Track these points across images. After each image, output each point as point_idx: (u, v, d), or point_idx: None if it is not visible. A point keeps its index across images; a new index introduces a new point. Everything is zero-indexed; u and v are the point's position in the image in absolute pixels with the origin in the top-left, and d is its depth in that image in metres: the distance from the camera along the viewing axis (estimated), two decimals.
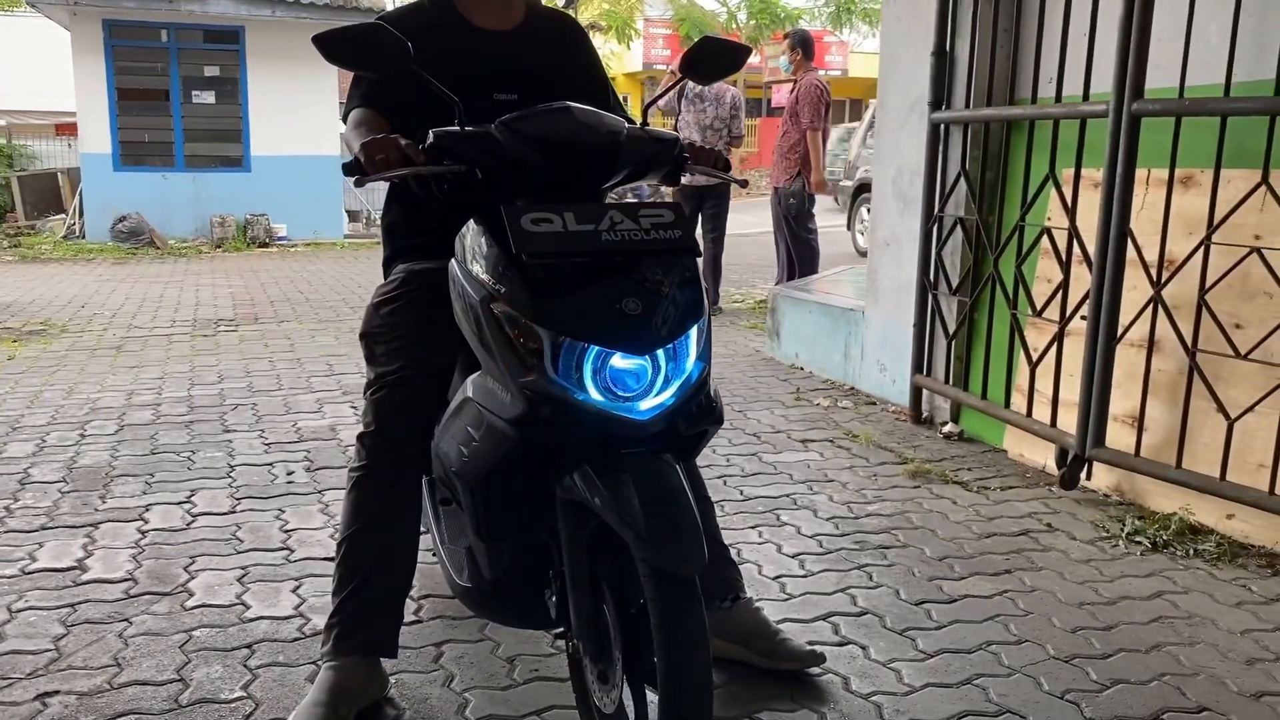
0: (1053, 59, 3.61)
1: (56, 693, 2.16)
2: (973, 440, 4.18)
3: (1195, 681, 2.28)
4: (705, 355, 1.78)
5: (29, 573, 2.77)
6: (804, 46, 7.37)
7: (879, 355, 4.90)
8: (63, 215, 14.01)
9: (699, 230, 7.70)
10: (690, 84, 7.37)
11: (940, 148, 4.26)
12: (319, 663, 2.12)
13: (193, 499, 3.37)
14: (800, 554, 2.97)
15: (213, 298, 8.36)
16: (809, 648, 2.29)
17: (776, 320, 5.83)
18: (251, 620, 2.51)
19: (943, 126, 4.24)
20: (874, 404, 4.77)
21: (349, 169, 1.88)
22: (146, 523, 3.15)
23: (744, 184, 2.21)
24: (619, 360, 1.65)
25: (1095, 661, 2.36)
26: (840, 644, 2.44)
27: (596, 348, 1.65)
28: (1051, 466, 3.64)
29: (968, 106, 4.12)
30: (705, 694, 1.60)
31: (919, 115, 4.38)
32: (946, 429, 4.28)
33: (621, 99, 2.61)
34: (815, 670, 2.28)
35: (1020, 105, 3.90)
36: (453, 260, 1.90)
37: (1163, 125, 3.17)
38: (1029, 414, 3.74)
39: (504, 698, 2.17)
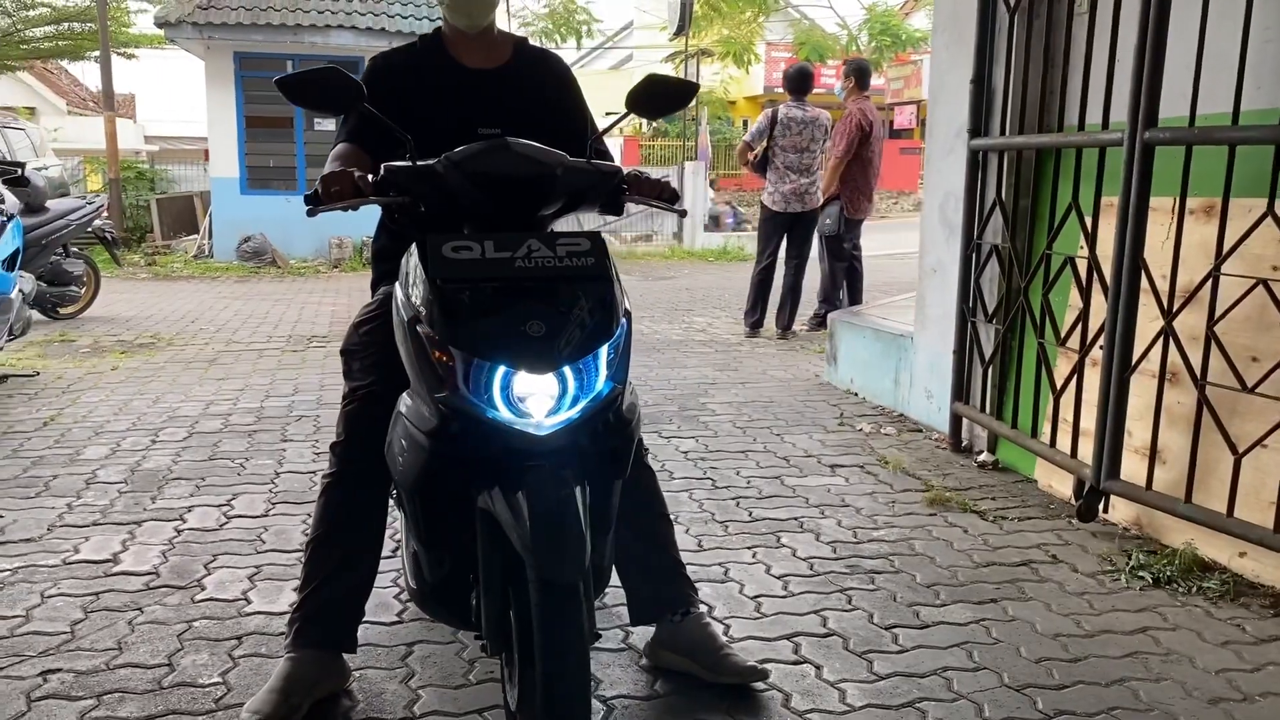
0: (1079, 87, 3.58)
1: (58, 670, 2.38)
2: (1007, 470, 4.13)
3: (1146, 717, 2.24)
4: (618, 375, 1.88)
5: (69, 563, 3.04)
6: (859, 76, 7.70)
7: (926, 382, 4.87)
8: (195, 236, 14.90)
9: (781, 255, 7.75)
10: (783, 109, 7.51)
11: (979, 174, 4.24)
12: (282, 654, 2.29)
13: (232, 502, 3.62)
14: (787, 575, 3.01)
15: (314, 315, 8.79)
16: (752, 663, 2.35)
17: (834, 345, 5.83)
18: (248, 614, 2.71)
19: (981, 154, 4.22)
20: (919, 431, 4.75)
21: (308, 199, 2.05)
22: (184, 522, 3.40)
23: (683, 214, 2.30)
24: (520, 380, 1.77)
25: (1047, 692, 2.34)
26: (796, 663, 2.48)
27: (504, 367, 1.77)
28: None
29: (1004, 134, 4.10)
30: (581, 698, 1.70)
31: (963, 142, 4.37)
32: (981, 458, 4.24)
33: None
34: (760, 685, 2.33)
35: (1048, 133, 3.87)
36: (396, 284, 2.05)
37: (1189, 153, 3.12)
38: (1053, 444, 3.69)
39: (453, 696, 2.30)
